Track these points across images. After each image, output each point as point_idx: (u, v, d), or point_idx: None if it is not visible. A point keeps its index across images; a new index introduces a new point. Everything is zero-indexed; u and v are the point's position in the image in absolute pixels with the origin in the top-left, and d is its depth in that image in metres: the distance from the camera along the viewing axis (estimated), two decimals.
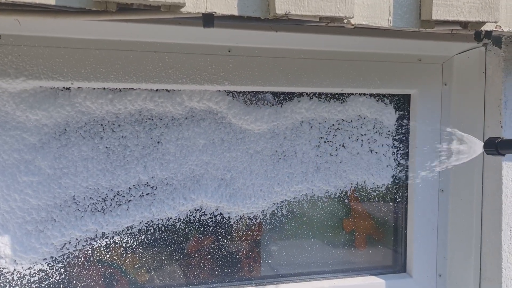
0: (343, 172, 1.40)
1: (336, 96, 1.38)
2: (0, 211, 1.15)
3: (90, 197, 1.21)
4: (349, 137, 1.40)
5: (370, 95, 1.41)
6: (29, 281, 1.18)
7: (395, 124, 1.44)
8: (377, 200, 1.45)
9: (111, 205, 1.22)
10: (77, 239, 1.20)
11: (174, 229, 1.29)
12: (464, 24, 1.06)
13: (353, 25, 1.01)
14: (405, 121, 1.45)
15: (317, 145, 1.38)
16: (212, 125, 1.29)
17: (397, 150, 1.44)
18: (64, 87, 1.17)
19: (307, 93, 1.35)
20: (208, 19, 0.92)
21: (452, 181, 1.43)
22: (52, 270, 1.19)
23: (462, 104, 1.40)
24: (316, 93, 1.36)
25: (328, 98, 1.37)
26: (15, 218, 1.16)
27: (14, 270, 1.17)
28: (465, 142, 1.08)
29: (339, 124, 1.39)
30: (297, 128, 1.36)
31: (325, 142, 1.38)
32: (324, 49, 1.29)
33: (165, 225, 1.27)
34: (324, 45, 1.27)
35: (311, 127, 1.37)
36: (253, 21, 0.97)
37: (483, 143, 1.06)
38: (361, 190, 1.43)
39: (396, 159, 1.44)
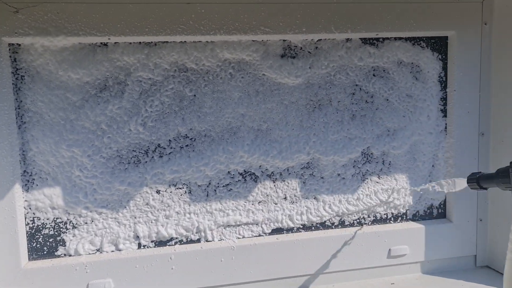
0: (379, 120, 1.38)
1: (371, 41, 1.35)
2: (51, 165, 1.21)
3: (133, 150, 1.25)
4: (385, 83, 1.37)
5: (406, 38, 1.37)
6: (81, 230, 1.25)
7: (432, 68, 1.40)
8: (415, 145, 1.42)
9: (152, 157, 1.26)
10: (121, 189, 1.26)
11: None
12: None
13: None
14: (443, 64, 1.41)
15: (352, 92, 1.36)
16: (246, 77, 1.30)
17: (435, 95, 1.41)
18: (101, 43, 1.20)
19: (341, 39, 1.33)
20: None
21: (493, 124, 1.39)
22: (99, 219, 1.25)
23: (503, 44, 1.35)
24: (350, 39, 1.33)
25: (363, 44, 1.35)
26: (64, 172, 1.22)
27: (67, 219, 1.24)
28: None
29: (374, 70, 1.37)
30: (332, 76, 1.34)
31: (360, 89, 1.37)
32: None
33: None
34: None
35: (346, 74, 1.35)
36: None
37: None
38: (399, 136, 1.41)
39: (434, 104, 1.41)
